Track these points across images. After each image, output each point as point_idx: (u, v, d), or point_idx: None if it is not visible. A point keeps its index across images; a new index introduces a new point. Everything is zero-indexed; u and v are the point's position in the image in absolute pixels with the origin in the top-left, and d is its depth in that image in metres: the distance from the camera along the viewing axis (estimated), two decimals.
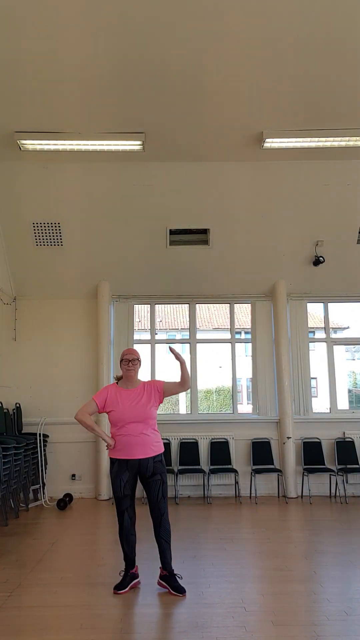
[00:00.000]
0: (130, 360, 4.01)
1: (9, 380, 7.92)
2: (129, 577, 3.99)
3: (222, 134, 6.20)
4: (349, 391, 28.43)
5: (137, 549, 4.68)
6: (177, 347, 27.40)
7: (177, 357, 3.85)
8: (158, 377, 8.19)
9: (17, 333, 8.12)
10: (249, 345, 8.44)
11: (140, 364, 4.10)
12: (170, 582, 3.91)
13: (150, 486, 3.94)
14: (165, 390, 4.04)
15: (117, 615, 3.48)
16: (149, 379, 4.17)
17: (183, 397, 24.40)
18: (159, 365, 9.19)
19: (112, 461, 4.01)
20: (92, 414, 4.04)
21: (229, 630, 3.22)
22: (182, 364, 3.93)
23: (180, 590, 3.84)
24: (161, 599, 3.78)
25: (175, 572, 4.06)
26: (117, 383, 4.15)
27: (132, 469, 3.94)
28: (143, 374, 8.72)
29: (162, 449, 4.04)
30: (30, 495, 7.29)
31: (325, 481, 7.74)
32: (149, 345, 8.36)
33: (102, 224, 7.45)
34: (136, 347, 8.24)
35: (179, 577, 4.01)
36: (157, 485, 3.94)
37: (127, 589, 3.93)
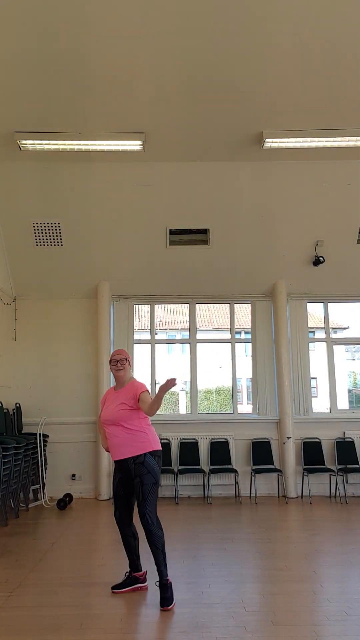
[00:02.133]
0: (118, 361, 3.93)
1: (9, 380, 7.92)
2: (129, 580, 3.96)
3: (222, 134, 6.20)
4: (349, 391, 28.42)
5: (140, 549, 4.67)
6: (176, 347, 27.41)
7: (166, 387, 3.63)
8: (158, 377, 8.20)
9: (17, 333, 8.12)
10: (249, 345, 8.44)
11: (129, 364, 4.01)
12: (161, 591, 3.66)
13: (134, 489, 3.81)
14: (139, 400, 3.84)
15: (117, 615, 3.47)
16: (140, 381, 4.00)
17: (183, 397, 24.39)
18: (159, 365, 9.19)
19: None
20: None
21: (229, 630, 3.22)
22: (163, 391, 3.68)
23: (162, 604, 3.57)
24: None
25: (168, 580, 3.69)
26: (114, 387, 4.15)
27: (121, 470, 3.91)
28: (143, 374, 8.75)
29: (145, 450, 3.81)
30: (30, 495, 7.29)
31: (325, 481, 7.74)
32: (149, 345, 8.36)
33: (102, 224, 7.45)
34: (136, 347, 8.24)
35: (167, 585, 3.67)
36: (137, 488, 3.75)
37: (124, 589, 3.90)
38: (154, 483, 3.76)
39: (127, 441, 3.81)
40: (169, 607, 3.56)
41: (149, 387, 8.13)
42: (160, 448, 3.92)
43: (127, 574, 4.01)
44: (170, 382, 3.60)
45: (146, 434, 3.86)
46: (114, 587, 3.91)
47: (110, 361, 3.99)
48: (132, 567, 4.00)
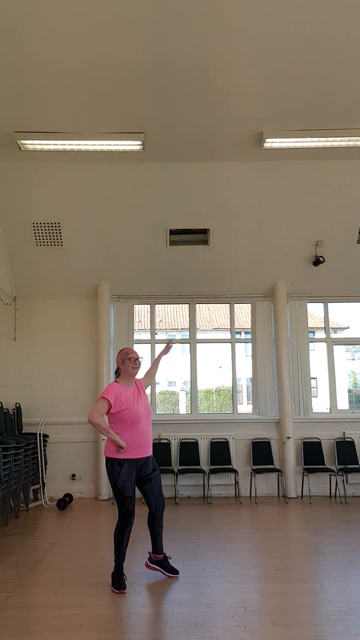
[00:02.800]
0: (136, 359, 4.20)
1: (9, 380, 7.92)
2: (124, 576, 4.03)
3: (222, 134, 6.20)
4: (349, 391, 28.42)
5: (135, 548, 4.69)
6: (176, 347, 27.39)
7: (166, 350, 4.31)
8: (158, 376, 8.19)
9: (17, 333, 8.12)
10: (249, 345, 8.44)
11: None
12: (164, 565, 4.16)
13: (152, 481, 4.09)
14: (145, 385, 4.39)
15: (117, 615, 3.48)
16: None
17: (183, 397, 24.40)
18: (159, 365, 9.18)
19: (120, 462, 3.92)
20: (103, 415, 3.95)
21: (229, 630, 3.22)
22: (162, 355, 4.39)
23: (174, 572, 4.13)
24: (161, 599, 3.78)
25: (166, 554, 4.30)
26: (116, 381, 4.14)
27: (137, 468, 4.02)
28: (143, 374, 8.73)
29: None
30: (30, 495, 7.29)
31: (325, 481, 7.74)
32: (149, 345, 8.36)
33: (102, 224, 7.45)
34: (136, 347, 8.24)
35: (168, 557, 4.25)
36: (158, 479, 4.13)
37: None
38: None
39: (151, 439, 4.15)
40: (177, 574, 4.17)
41: (148, 388, 8.12)
42: None
43: (121, 571, 3.99)
44: (168, 347, 4.37)
45: None
46: (117, 588, 3.89)
47: (130, 358, 4.11)
48: (121, 563, 4.02)
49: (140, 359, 4.23)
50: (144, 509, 6.36)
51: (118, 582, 3.97)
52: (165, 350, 4.49)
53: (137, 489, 4.05)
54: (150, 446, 4.09)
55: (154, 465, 4.13)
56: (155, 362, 4.68)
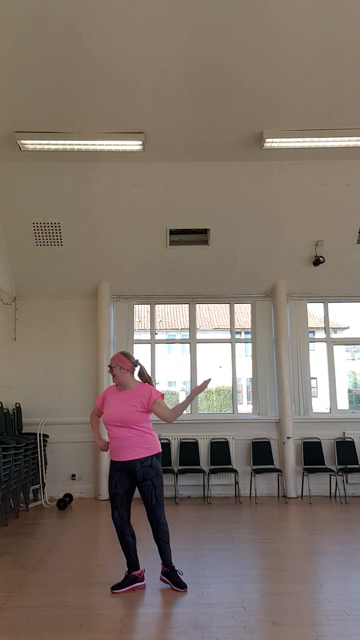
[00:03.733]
0: (111, 367, 4.02)
1: (9, 380, 7.92)
2: (128, 579, 3.97)
3: (222, 134, 6.19)
4: (349, 391, 28.42)
5: (138, 548, 4.68)
6: (176, 347, 27.41)
7: (200, 389, 3.86)
8: (158, 376, 8.20)
9: (17, 333, 8.12)
10: (249, 345, 8.44)
11: (120, 369, 3.98)
12: (171, 577, 3.96)
13: (143, 492, 3.90)
14: (154, 408, 3.93)
15: (117, 615, 3.47)
16: (150, 385, 4.05)
17: (183, 397, 24.38)
18: (159, 365, 9.19)
19: (111, 462, 4.07)
20: (99, 415, 4.19)
21: (229, 630, 3.22)
22: (192, 397, 3.95)
23: (182, 586, 3.90)
24: (161, 599, 3.78)
25: (176, 568, 4.09)
26: (116, 385, 4.15)
27: (122, 470, 3.94)
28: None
29: (152, 452, 3.90)
30: (30, 495, 7.29)
31: (325, 481, 7.74)
32: (149, 345, 8.36)
33: (102, 224, 7.45)
34: (136, 347, 8.24)
35: (180, 572, 4.04)
36: (149, 491, 3.87)
37: (124, 589, 3.91)
38: (162, 484, 3.94)
39: (136, 442, 3.87)
40: (186, 588, 3.90)
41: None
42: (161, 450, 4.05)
43: (127, 573, 4.02)
44: (206, 383, 3.85)
45: (153, 437, 3.97)
46: (113, 588, 3.92)
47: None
48: (131, 566, 4.02)
49: (115, 366, 3.98)
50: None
51: (119, 582, 3.98)
52: (203, 387, 3.90)
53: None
54: (127, 451, 3.85)
55: (145, 475, 3.85)
56: (187, 399, 3.98)
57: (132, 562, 4.01)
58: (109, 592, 3.89)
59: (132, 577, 3.99)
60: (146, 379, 4.13)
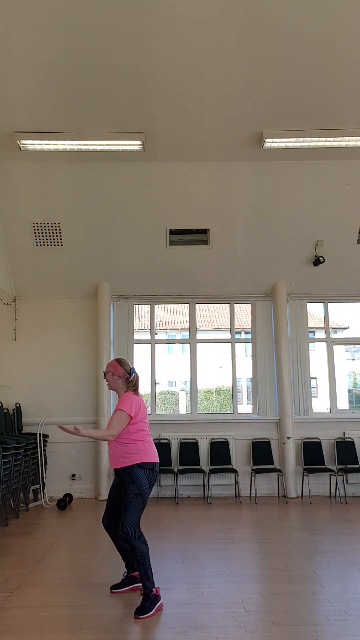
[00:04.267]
0: (105, 373, 3.98)
1: (9, 380, 7.92)
2: (127, 579, 3.99)
3: (222, 134, 6.19)
4: (349, 391, 28.41)
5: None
6: (176, 346, 27.43)
7: (69, 431, 3.61)
8: (158, 376, 8.19)
9: (17, 333, 8.12)
10: (249, 345, 8.44)
11: (113, 375, 3.93)
12: (142, 600, 3.58)
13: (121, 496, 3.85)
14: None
15: (117, 615, 3.47)
16: (128, 396, 3.89)
17: (183, 397, 24.40)
18: (159, 365, 9.19)
19: None
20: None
21: (229, 630, 3.22)
22: (80, 434, 3.62)
23: (137, 612, 3.47)
24: (161, 599, 3.77)
25: (153, 591, 3.59)
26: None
27: (117, 475, 3.91)
28: (143, 374, 8.73)
29: (133, 462, 3.74)
30: (30, 495, 7.29)
31: (325, 481, 7.74)
32: (149, 345, 8.36)
33: (102, 224, 7.45)
34: (136, 347, 8.24)
35: (151, 597, 3.57)
36: (124, 500, 3.71)
37: (123, 589, 3.92)
38: (137, 494, 3.66)
39: (118, 452, 3.78)
40: (141, 617, 3.42)
41: (148, 388, 8.14)
42: (154, 460, 3.79)
43: (125, 574, 4.02)
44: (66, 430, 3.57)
45: (136, 446, 3.75)
46: (112, 587, 3.92)
47: None
48: (128, 567, 4.02)
49: (108, 372, 3.94)
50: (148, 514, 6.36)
51: (118, 582, 3.99)
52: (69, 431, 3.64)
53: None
54: (112, 459, 3.82)
55: (124, 480, 3.73)
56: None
57: (129, 563, 4.01)
58: (109, 592, 3.89)
59: (131, 577, 3.99)
60: (135, 387, 3.98)
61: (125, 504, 3.67)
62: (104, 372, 4.01)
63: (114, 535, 3.96)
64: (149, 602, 3.52)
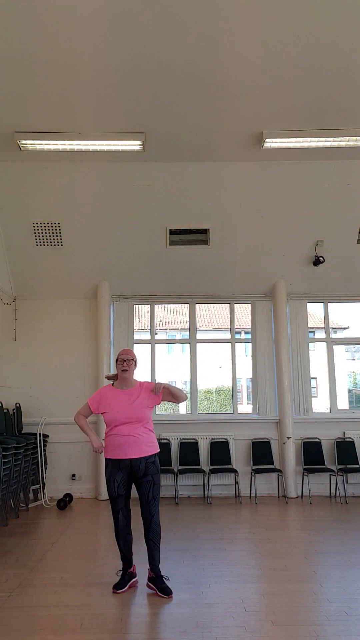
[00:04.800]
0: (125, 360, 4.00)
1: (9, 380, 7.92)
2: (127, 576, 4.01)
3: (222, 134, 6.19)
4: (349, 391, 28.42)
5: (134, 549, 4.69)
6: (176, 346, 27.45)
7: (161, 389, 3.94)
8: (158, 376, 8.20)
9: (17, 333, 8.12)
10: (249, 345, 8.44)
11: (135, 365, 4.07)
12: (156, 583, 3.87)
13: (142, 487, 3.91)
14: (165, 396, 4.03)
15: (117, 615, 3.48)
16: (147, 381, 4.16)
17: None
18: (159, 366, 9.19)
19: (107, 462, 4.00)
20: (87, 416, 4.15)
21: (229, 630, 3.22)
22: (165, 388, 3.98)
23: (167, 592, 3.80)
24: (161, 599, 3.78)
25: (162, 573, 3.98)
26: (112, 384, 4.15)
27: (124, 469, 3.92)
28: (142, 374, 8.74)
29: (156, 450, 3.98)
30: (30, 495, 7.29)
31: (325, 481, 7.74)
32: (149, 345, 8.36)
33: (102, 224, 7.45)
34: (136, 347, 8.24)
35: (166, 578, 3.95)
36: (147, 486, 3.89)
37: (126, 588, 3.95)
38: (160, 483, 4.00)
39: (145, 440, 3.90)
40: (171, 595, 3.80)
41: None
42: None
43: (123, 571, 4.04)
44: (160, 387, 3.95)
45: (154, 435, 4.03)
46: (115, 587, 3.92)
47: (117, 360, 4.06)
48: (127, 563, 4.05)
49: (130, 360, 4.00)
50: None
51: (118, 581, 3.99)
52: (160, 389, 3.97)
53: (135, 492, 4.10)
54: (136, 449, 3.86)
55: (147, 470, 3.88)
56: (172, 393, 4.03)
57: (129, 559, 4.04)
58: (109, 592, 3.89)
59: (130, 574, 4.04)
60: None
61: (155, 494, 3.89)
62: (130, 360, 4.00)
63: (127, 531, 4.00)
64: (163, 581, 3.89)
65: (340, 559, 4.64)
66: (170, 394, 3.98)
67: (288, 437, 7.74)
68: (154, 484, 3.90)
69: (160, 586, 3.85)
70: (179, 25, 4.44)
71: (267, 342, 8.25)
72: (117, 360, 4.06)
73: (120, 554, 4.05)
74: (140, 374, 9.64)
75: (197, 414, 8.15)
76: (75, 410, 7.78)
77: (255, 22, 4.42)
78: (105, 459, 4.02)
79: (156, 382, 4.01)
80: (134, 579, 4.07)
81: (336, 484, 7.53)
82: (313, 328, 9.58)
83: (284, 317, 8.10)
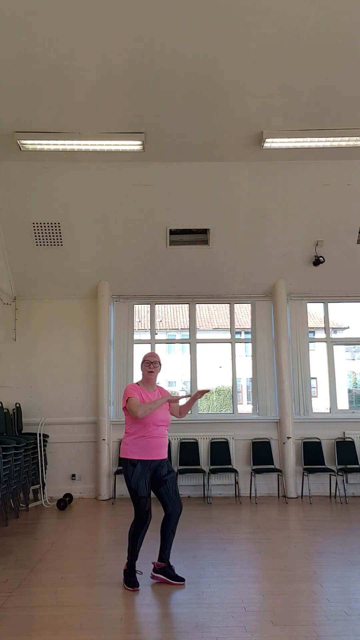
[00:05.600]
0: (151, 362, 4.19)
1: (9, 380, 7.92)
2: (136, 572, 4.10)
3: (222, 134, 6.19)
4: (349, 391, 28.43)
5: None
6: (176, 346, 27.45)
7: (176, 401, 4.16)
8: (158, 377, 8.19)
9: (17, 333, 8.12)
10: (249, 345, 8.44)
11: (160, 368, 4.26)
12: (169, 572, 4.09)
13: (167, 483, 4.10)
14: (171, 409, 4.30)
15: (117, 615, 3.48)
16: (161, 386, 4.44)
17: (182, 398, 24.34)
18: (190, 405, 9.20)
19: (133, 462, 4.00)
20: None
21: (229, 630, 3.22)
22: (175, 402, 4.24)
23: (180, 579, 4.04)
24: (161, 599, 3.78)
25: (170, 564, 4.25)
26: (137, 384, 4.26)
27: (151, 470, 4.07)
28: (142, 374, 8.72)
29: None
30: (30, 495, 7.29)
31: (325, 481, 7.74)
32: (149, 345, 8.36)
33: (102, 224, 7.45)
34: (136, 347, 8.24)
35: (173, 567, 4.17)
36: (174, 482, 4.14)
37: (162, 578, 4.10)
38: None
39: (167, 442, 4.18)
40: (184, 581, 4.06)
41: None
42: None
43: (133, 568, 4.06)
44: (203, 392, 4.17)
45: None
46: (131, 585, 3.94)
47: (143, 361, 4.24)
48: (135, 559, 4.09)
49: (157, 363, 4.22)
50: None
51: (130, 579, 4.01)
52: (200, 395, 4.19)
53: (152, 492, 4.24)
54: (164, 450, 4.13)
55: (169, 467, 4.16)
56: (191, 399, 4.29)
57: (136, 556, 4.09)
58: (109, 592, 3.89)
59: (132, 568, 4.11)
60: None
61: (177, 488, 4.17)
62: (156, 362, 4.21)
63: (166, 529, 4.11)
64: (173, 569, 4.12)
65: (340, 559, 4.64)
66: (179, 408, 4.30)
67: (288, 437, 7.74)
68: (173, 479, 4.17)
69: (174, 574, 4.07)
70: (179, 26, 4.44)
71: (267, 342, 8.25)
72: (143, 362, 4.24)
73: (133, 552, 4.04)
74: (140, 374, 9.62)
75: (197, 414, 8.15)
76: (75, 410, 7.88)
77: (255, 23, 4.43)
78: (131, 459, 4.01)
79: (175, 393, 4.23)
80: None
81: (336, 484, 7.53)
82: (313, 328, 9.58)
83: (284, 317, 8.10)
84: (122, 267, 7.94)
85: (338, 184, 7.12)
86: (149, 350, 8.29)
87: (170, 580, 4.03)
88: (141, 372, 4.29)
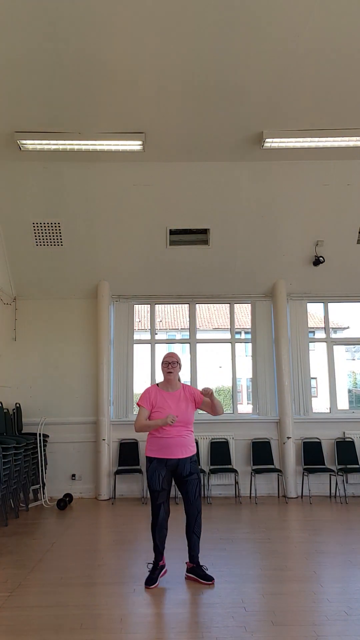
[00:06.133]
0: (170, 363, 4.21)
1: (9, 380, 7.92)
2: (158, 570, 4.11)
3: (222, 134, 6.19)
4: (349, 391, 28.43)
5: (132, 548, 4.68)
6: (176, 347, 27.45)
7: (209, 394, 4.13)
8: (158, 376, 8.19)
9: (17, 333, 8.12)
10: (249, 345, 8.44)
11: (180, 367, 4.28)
12: (198, 572, 4.10)
13: (188, 485, 4.12)
14: (203, 403, 4.26)
15: (117, 615, 3.47)
16: (188, 384, 4.34)
17: None
18: (159, 365, 9.18)
19: (150, 459, 4.15)
20: (146, 418, 4.25)
21: (229, 630, 3.22)
22: (210, 395, 4.16)
23: (210, 578, 4.04)
24: (161, 599, 3.78)
25: (201, 563, 4.34)
26: (157, 385, 4.31)
27: (169, 468, 4.11)
28: (143, 374, 8.74)
29: (196, 450, 4.26)
30: (30, 495, 7.29)
31: (325, 481, 7.74)
32: (148, 346, 8.36)
33: (102, 224, 7.45)
34: (136, 347, 8.25)
35: (205, 568, 4.18)
36: (194, 484, 4.13)
37: (157, 583, 4.04)
38: None
39: (189, 441, 4.17)
40: (213, 581, 4.04)
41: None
42: None
43: (154, 565, 4.11)
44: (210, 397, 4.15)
45: (194, 436, 4.33)
46: (148, 583, 3.98)
47: (162, 362, 4.27)
48: (159, 557, 4.14)
49: (175, 363, 4.22)
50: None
51: (149, 576, 4.06)
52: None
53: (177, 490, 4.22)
54: (183, 449, 4.11)
55: (192, 469, 4.14)
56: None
57: (162, 552, 4.14)
58: (109, 592, 3.89)
59: (160, 567, 4.15)
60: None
61: (200, 491, 4.16)
62: (175, 362, 4.22)
63: (165, 525, 4.13)
64: (202, 570, 4.11)
65: (340, 559, 4.64)
66: (210, 404, 4.20)
67: (288, 437, 7.74)
68: (199, 482, 4.16)
69: (203, 574, 4.08)
70: (177, 25, 4.44)
71: (267, 342, 8.25)
72: (162, 362, 4.27)
73: (155, 547, 4.13)
74: (141, 374, 9.66)
75: (197, 414, 8.15)
76: (75, 410, 7.88)
77: (255, 23, 4.43)
78: (149, 457, 4.16)
79: (205, 387, 4.16)
80: (164, 570, 4.21)
81: (336, 484, 7.53)
82: (313, 328, 9.57)
83: (284, 317, 8.10)
84: (122, 267, 7.94)
85: (338, 184, 7.12)
86: (149, 350, 8.32)
87: (200, 580, 4.07)
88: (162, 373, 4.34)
